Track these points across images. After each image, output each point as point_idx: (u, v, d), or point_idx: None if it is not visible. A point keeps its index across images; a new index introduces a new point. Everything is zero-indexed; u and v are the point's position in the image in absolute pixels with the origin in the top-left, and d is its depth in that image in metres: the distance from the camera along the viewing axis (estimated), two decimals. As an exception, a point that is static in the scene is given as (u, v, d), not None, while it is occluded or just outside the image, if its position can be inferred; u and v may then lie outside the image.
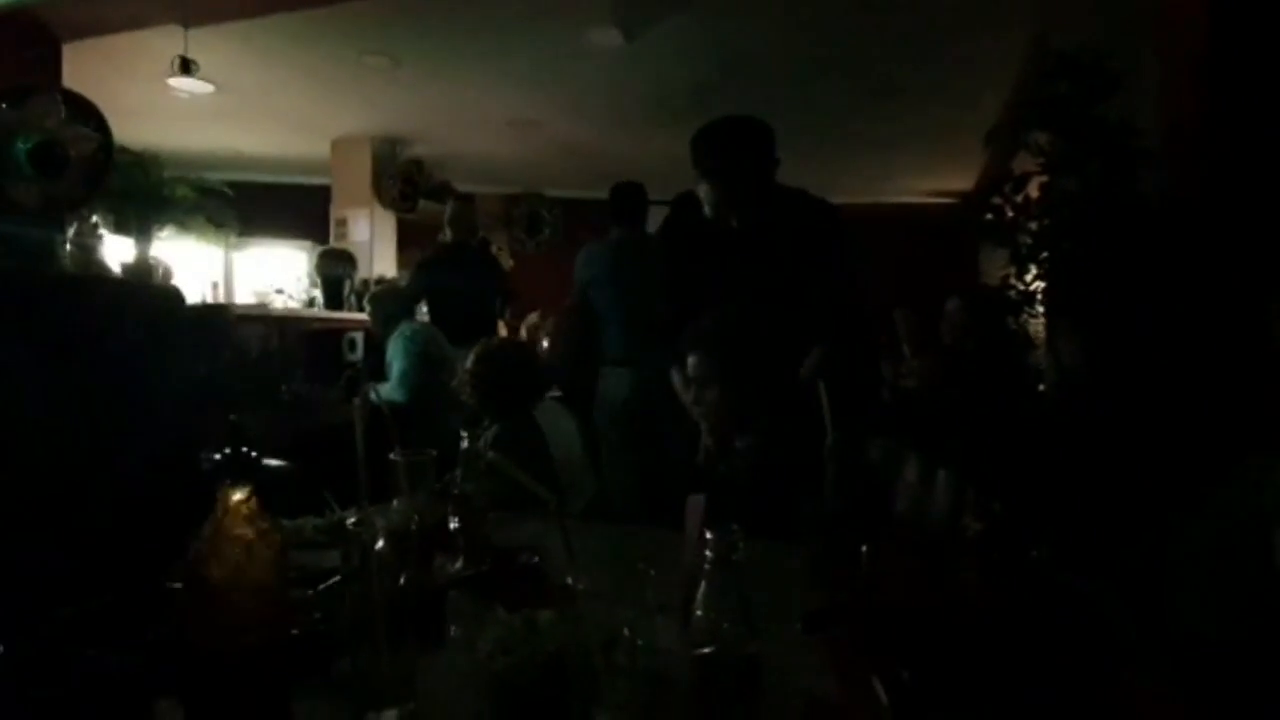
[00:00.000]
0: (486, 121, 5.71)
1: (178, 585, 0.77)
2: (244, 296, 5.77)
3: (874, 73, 4.69)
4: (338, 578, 1.06)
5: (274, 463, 2.72)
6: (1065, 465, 1.98)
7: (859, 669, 0.79)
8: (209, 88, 4.42)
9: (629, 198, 3.44)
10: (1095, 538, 1.89)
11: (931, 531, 1.70)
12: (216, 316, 3.96)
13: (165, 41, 3.88)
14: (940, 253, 7.83)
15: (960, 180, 7.21)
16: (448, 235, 4.25)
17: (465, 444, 1.23)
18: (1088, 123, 2.02)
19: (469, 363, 1.95)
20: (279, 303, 5.32)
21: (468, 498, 1.17)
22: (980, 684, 0.82)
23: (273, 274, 6.12)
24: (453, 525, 1.17)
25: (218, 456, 0.77)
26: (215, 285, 5.78)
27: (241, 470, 0.73)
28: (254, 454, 0.74)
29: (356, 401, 0.91)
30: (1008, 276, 2.30)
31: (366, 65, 4.55)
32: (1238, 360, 1.89)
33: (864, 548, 1.02)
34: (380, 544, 1.05)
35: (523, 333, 5.55)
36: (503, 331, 4.67)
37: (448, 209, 4.31)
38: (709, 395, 1.61)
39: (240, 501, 0.71)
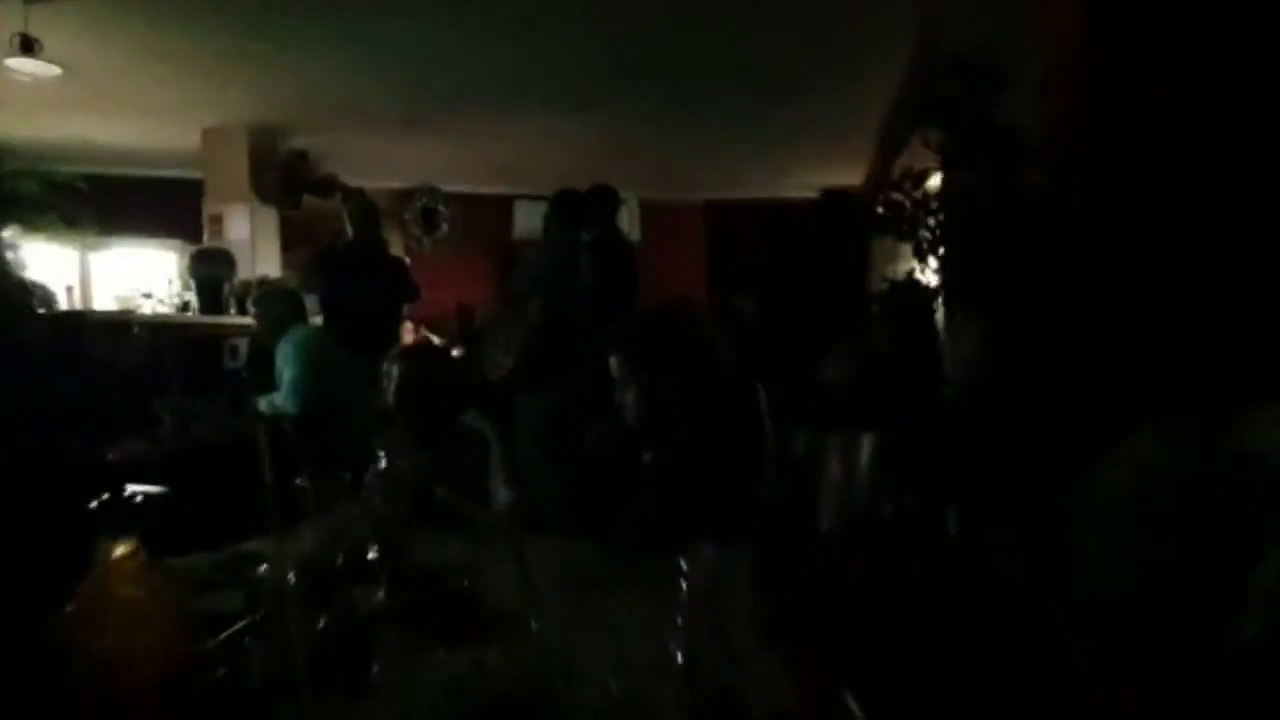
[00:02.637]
0: (377, 113, 5.43)
1: (50, 654, 0.64)
2: (105, 302, 5.25)
3: (771, 71, 4.78)
4: (243, 623, 0.94)
5: (149, 489, 2.46)
6: (973, 449, 2.06)
7: (827, 680, 0.77)
8: (54, 70, 3.97)
9: (566, 204, 3.41)
10: (1003, 520, 1.98)
11: (854, 524, 1.73)
12: (73, 325, 3.57)
13: (6, 18, 3.44)
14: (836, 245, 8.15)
15: (852, 175, 7.49)
16: (348, 233, 4.01)
17: (383, 463, 1.13)
18: (978, 121, 2.11)
19: (394, 374, 1.80)
20: (147, 308, 4.87)
21: (388, 522, 1.07)
22: (937, 685, 0.82)
23: (139, 277, 5.60)
24: (372, 553, 1.07)
25: (93, 505, 0.65)
26: (70, 290, 5.23)
27: (121, 518, 0.62)
28: (134, 495, 0.63)
29: (253, 417, 0.80)
30: (912, 270, 2.37)
31: (242, 49, 4.21)
32: (1113, 342, 2.02)
33: (811, 548, 1.00)
34: (292, 579, 0.95)
35: (417, 334, 5.34)
36: (408, 335, 4.47)
37: (348, 204, 4.07)
38: (628, 398, 1.57)
39: (124, 557, 0.60)
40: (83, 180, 3.89)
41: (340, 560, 1.05)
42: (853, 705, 0.71)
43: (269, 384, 3.41)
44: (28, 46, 3.48)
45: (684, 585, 0.60)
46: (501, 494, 1.60)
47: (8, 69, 3.73)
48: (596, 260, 3.53)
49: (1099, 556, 1.51)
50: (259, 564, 1.18)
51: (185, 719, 0.66)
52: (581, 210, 3.51)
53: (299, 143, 5.74)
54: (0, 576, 1.03)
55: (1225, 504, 1.26)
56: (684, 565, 0.62)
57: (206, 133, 5.42)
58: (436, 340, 5.33)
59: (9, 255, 3.92)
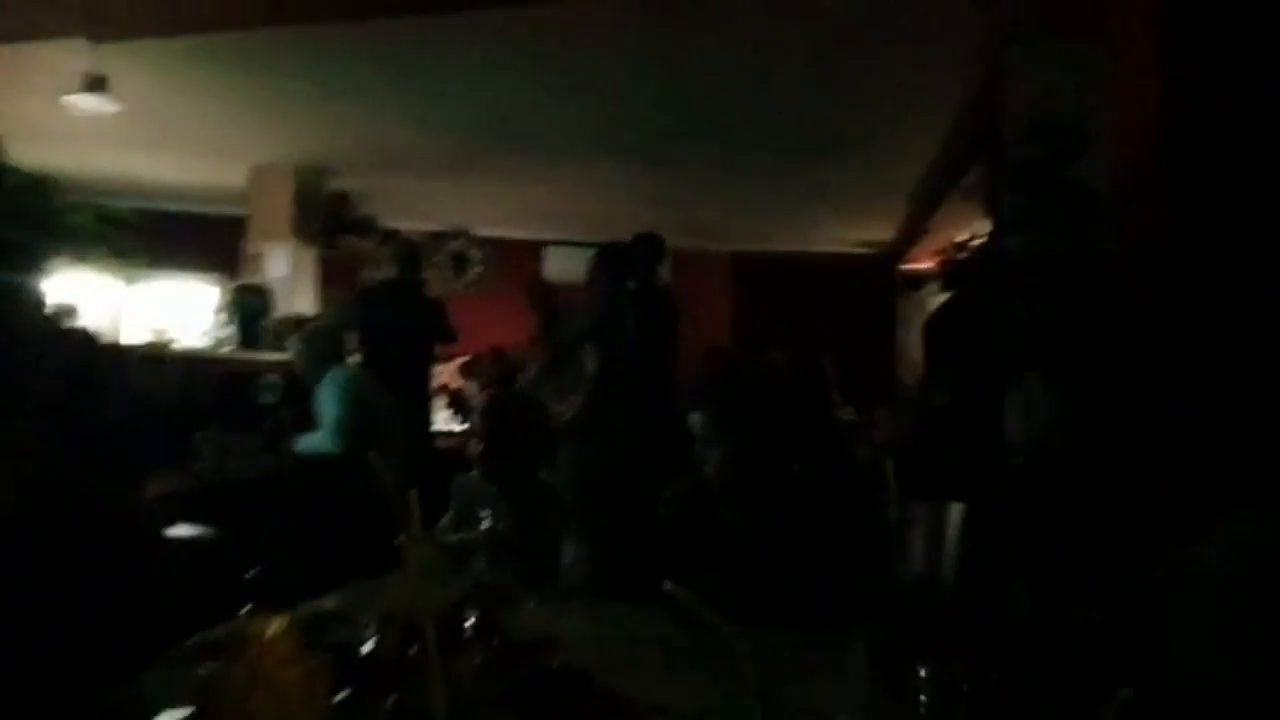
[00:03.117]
0: (418, 157, 5.51)
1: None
2: (143, 334, 5.27)
3: (804, 129, 4.83)
4: (342, 695, 0.88)
5: (190, 531, 2.40)
6: (1054, 517, 1.98)
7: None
8: (113, 107, 4.05)
9: (617, 258, 3.42)
10: (1085, 589, 1.89)
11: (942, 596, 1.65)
12: (114, 356, 3.56)
13: (68, 56, 3.53)
14: (862, 299, 8.15)
15: (881, 231, 7.51)
16: (385, 272, 4.02)
17: (487, 523, 1.07)
18: (1056, 185, 2.09)
19: (478, 419, 1.72)
20: (184, 342, 4.89)
21: (490, 587, 1.01)
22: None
23: (177, 310, 5.64)
24: (469, 620, 1.01)
25: (249, 575, 0.60)
26: (111, 322, 5.27)
27: (272, 593, 0.57)
28: (290, 567, 0.58)
29: (388, 477, 0.75)
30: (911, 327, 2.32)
31: (295, 93, 4.30)
32: (1193, 415, 1.95)
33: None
34: (370, 644, 0.89)
35: (448, 376, 5.31)
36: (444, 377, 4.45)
37: (391, 245, 4.10)
38: (713, 455, 1.52)
39: (278, 636, 0.55)
40: (131, 215, 3.93)
41: (434, 628, 0.98)
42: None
43: (304, 421, 3.38)
44: (95, 85, 3.56)
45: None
46: (571, 553, 1.54)
47: (68, 105, 3.82)
48: (640, 310, 3.51)
49: (1203, 641, 1.43)
50: (338, 625, 1.11)
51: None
52: (628, 262, 3.50)
53: (341, 184, 5.83)
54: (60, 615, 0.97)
55: None
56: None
57: (254, 171, 5.51)
58: (464, 384, 5.30)
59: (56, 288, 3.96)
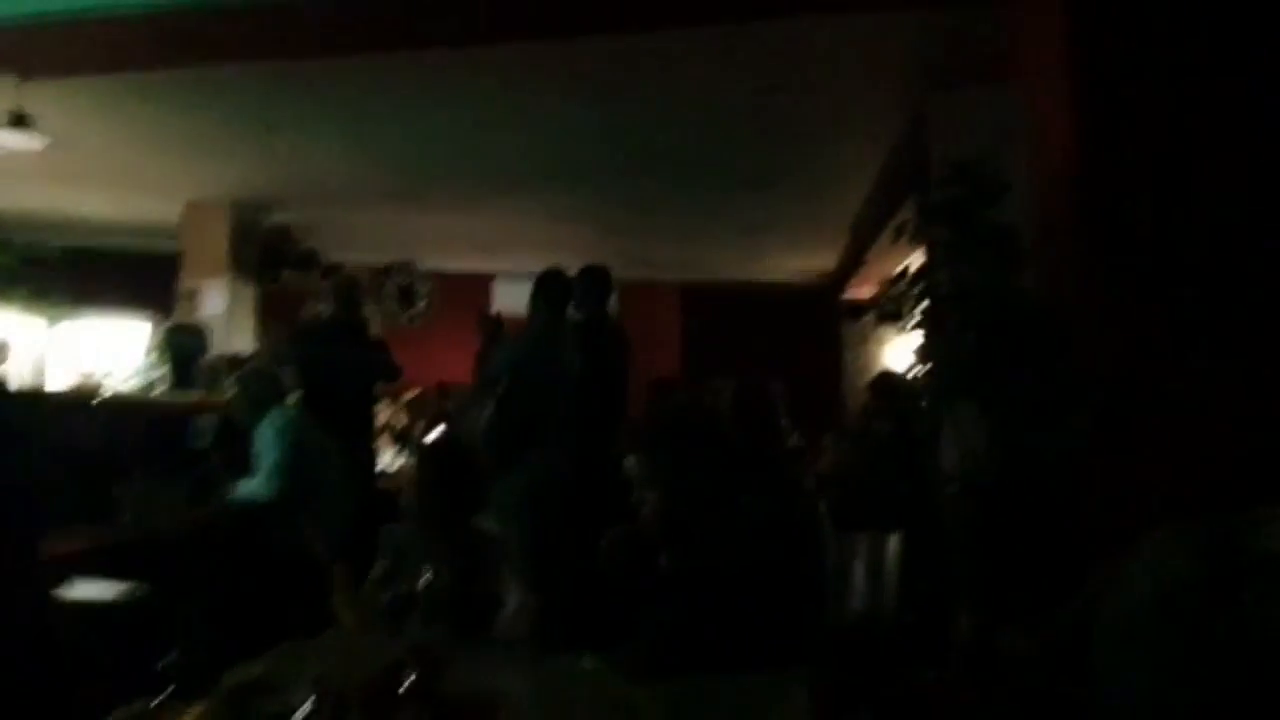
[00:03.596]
0: (362, 191, 5.46)
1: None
2: (67, 378, 5.03)
3: (749, 164, 4.96)
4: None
5: (111, 588, 2.27)
6: (978, 548, 2.04)
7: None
8: (37, 144, 3.91)
9: (556, 284, 3.39)
10: (1018, 617, 1.94)
11: (880, 623, 1.68)
12: (30, 403, 3.39)
13: (-4, 93, 3.41)
14: (806, 326, 8.32)
15: (823, 260, 7.70)
16: (327, 309, 3.94)
17: (429, 576, 1.05)
18: (978, 223, 2.18)
19: (421, 469, 1.67)
20: (111, 384, 4.68)
21: (429, 647, 0.99)
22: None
23: (104, 351, 5.41)
24: (408, 681, 0.98)
25: (169, 657, 0.57)
26: (35, 365, 5.02)
27: (191, 672, 0.54)
28: (210, 636, 0.56)
29: (384, 539, 0.72)
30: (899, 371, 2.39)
31: (231, 128, 4.22)
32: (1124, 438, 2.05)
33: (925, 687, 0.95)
34: (306, 706, 0.86)
35: (395, 414, 5.21)
36: (382, 416, 4.35)
37: (331, 281, 4.02)
38: (649, 498, 1.52)
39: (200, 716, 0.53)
40: (58, 253, 3.78)
41: (370, 687, 0.96)
42: None
43: (238, 464, 3.26)
44: (19, 121, 3.44)
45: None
46: (512, 599, 1.51)
47: (-9, 140, 3.67)
48: (586, 343, 3.51)
49: (1122, 664, 1.48)
50: (270, 695, 1.08)
51: None
52: (565, 291, 3.47)
53: (281, 218, 5.72)
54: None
55: (1253, 608, 1.24)
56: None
57: (188, 207, 5.37)
58: (405, 419, 5.21)
59: None
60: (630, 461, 1.53)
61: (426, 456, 1.77)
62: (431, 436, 3.18)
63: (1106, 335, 2.11)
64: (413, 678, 0.93)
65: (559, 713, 0.86)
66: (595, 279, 3.60)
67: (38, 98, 3.50)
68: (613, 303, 8.47)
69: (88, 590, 2.25)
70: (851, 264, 6.94)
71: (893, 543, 1.63)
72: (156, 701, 0.54)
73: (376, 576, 1.48)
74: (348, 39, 3.18)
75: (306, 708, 0.82)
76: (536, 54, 3.41)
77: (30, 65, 3.17)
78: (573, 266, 3.86)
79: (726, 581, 1.34)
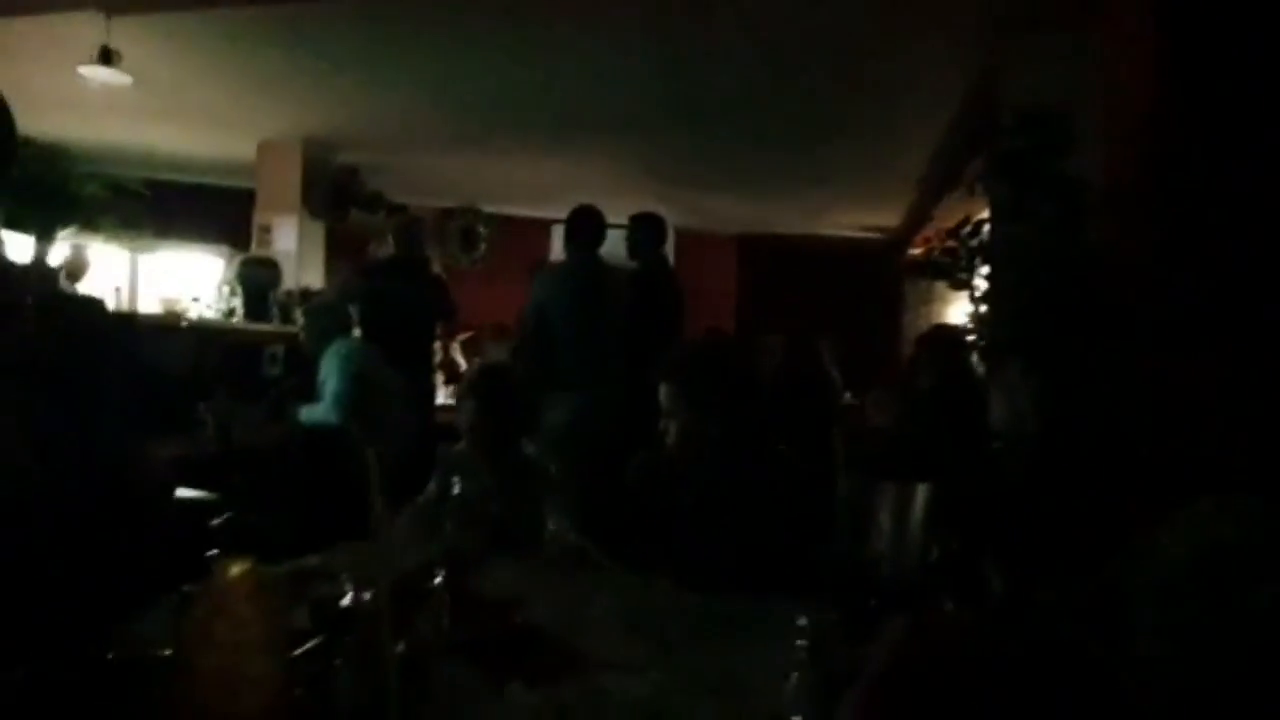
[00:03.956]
0: (427, 133, 5.55)
1: (162, 663, 0.65)
2: (150, 304, 5.37)
3: (810, 113, 4.83)
4: (314, 643, 0.95)
5: (195, 493, 2.49)
6: (1019, 504, 2.03)
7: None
8: (126, 79, 4.11)
9: (588, 221, 3.41)
10: (1054, 576, 1.94)
11: (908, 576, 1.71)
12: (125, 325, 3.65)
13: (82, 28, 3.58)
14: (868, 284, 8.14)
15: (888, 217, 7.49)
16: (390, 249, 4.07)
17: (457, 489, 1.14)
18: (1046, 175, 2.11)
19: (472, 395, 1.78)
20: (194, 312, 4.97)
21: (459, 551, 1.08)
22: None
23: (184, 280, 5.73)
24: (438, 579, 1.08)
25: (215, 521, 0.66)
26: (118, 291, 5.36)
27: (238, 537, 0.63)
28: (253, 516, 0.64)
29: (370, 450, 0.81)
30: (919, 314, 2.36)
31: (303, 68, 4.34)
32: (1170, 403, 1.99)
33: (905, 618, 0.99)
34: (348, 598, 0.95)
35: (455, 352, 5.38)
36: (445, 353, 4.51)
37: (393, 221, 4.15)
38: (673, 426, 1.57)
39: (240, 576, 0.62)
40: (142, 185, 4.00)
41: (404, 586, 1.05)
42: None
43: (308, 392, 3.46)
44: (108, 57, 3.61)
45: (799, 644, 0.60)
46: (551, 524, 1.60)
47: (81, 77, 3.88)
48: (642, 290, 3.55)
49: (1157, 627, 1.48)
50: (321, 580, 1.19)
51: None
52: (596, 228, 3.49)
53: (350, 159, 5.88)
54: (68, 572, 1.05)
55: None
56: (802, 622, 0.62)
57: (262, 145, 5.56)
58: (462, 361, 5.37)
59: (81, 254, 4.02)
60: (661, 391, 1.57)
61: (474, 381, 1.86)
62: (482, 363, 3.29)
63: (1171, 296, 2.04)
64: (440, 577, 1.02)
65: (575, 620, 0.94)
66: (650, 226, 3.62)
67: (123, 36, 3.67)
68: (668, 251, 8.44)
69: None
70: (917, 221, 6.74)
71: (920, 492, 1.65)
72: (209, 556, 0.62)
73: (429, 491, 1.59)
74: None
75: (346, 599, 0.91)
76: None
77: (115, 1, 3.32)
78: (631, 213, 3.89)
79: (729, 512, 1.39)
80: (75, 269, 4.50)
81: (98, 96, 4.38)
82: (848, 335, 6.84)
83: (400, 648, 0.85)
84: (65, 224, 3.52)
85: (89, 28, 3.55)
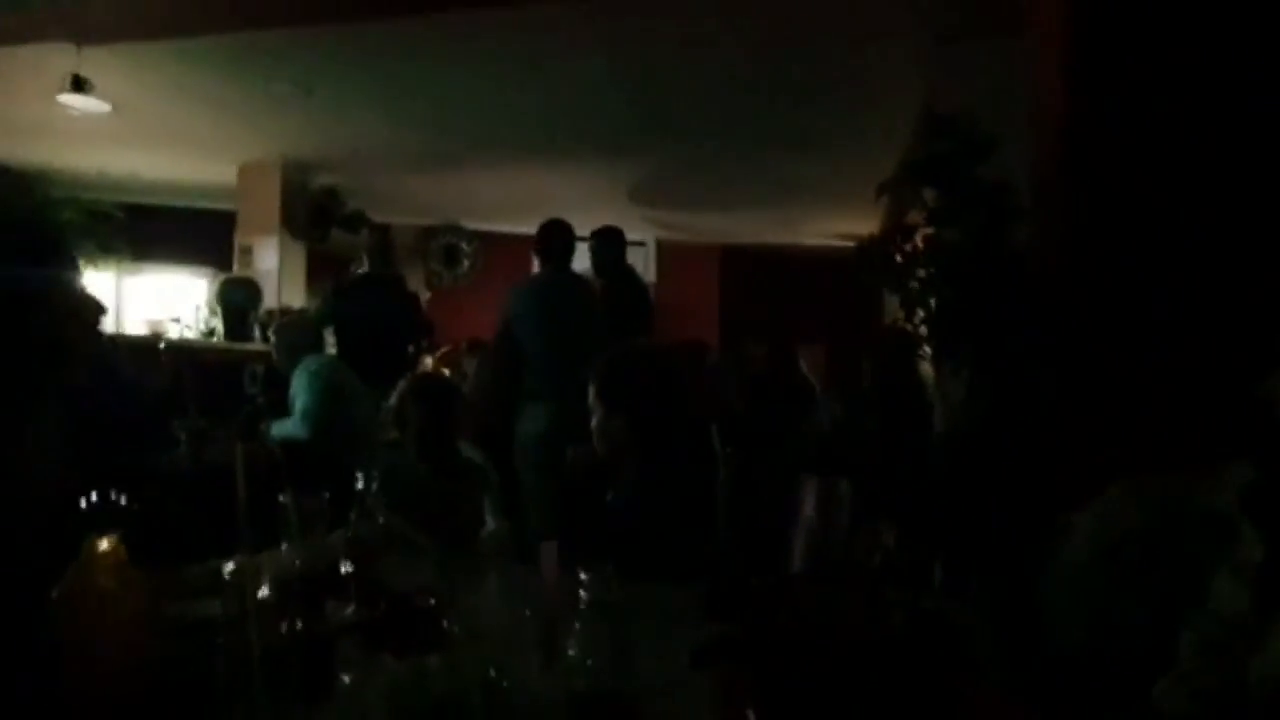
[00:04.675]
0: (403, 153, 5.65)
1: (40, 636, 0.72)
2: (135, 326, 5.45)
3: (788, 124, 4.93)
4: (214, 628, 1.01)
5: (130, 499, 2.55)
6: (954, 496, 2.10)
7: (743, 703, 0.82)
8: (105, 107, 4.21)
9: (556, 235, 3.51)
10: (980, 565, 2.00)
11: (827, 566, 1.77)
12: (110, 346, 3.72)
13: (61, 58, 3.69)
14: (849, 293, 8.23)
15: (867, 225, 7.57)
16: (364, 266, 4.16)
17: (360, 484, 1.21)
18: (967, 180, 2.19)
19: (408, 400, 1.89)
20: (175, 332, 5.05)
21: (361, 540, 1.15)
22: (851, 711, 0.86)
23: (169, 302, 5.82)
24: (345, 569, 1.14)
25: (85, 503, 0.73)
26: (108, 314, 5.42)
27: (108, 518, 0.70)
28: (124, 499, 0.71)
29: (239, 444, 0.88)
30: (896, 320, 2.44)
31: (276, 92, 4.45)
32: (1094, 397, 2.06)
33: (753, 581, 1.05)
34: (264, 590, 1.02)
35: (428, 364, 5.46)
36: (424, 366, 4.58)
37: (364, 239, 4.23)
38: (594, 424, 1.64)
39: (105, 551, 0.69)
40: (121, 209, 4.10)
41: (313, 574, 1.12)
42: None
43: (284, 409, 3.53)
44: (79, 85, 3.71)
45: (582, 594, 0.67)
46: (490, 523, 1.67)
47: (60, 104, 3.98)
48: (610, 302, 3.63)
49: (1066, 608, 1.54)
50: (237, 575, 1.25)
51: (154, 706, 0.73)
52: (563, 241, 3.58)
53: (329, 179, 5.98)
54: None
55: (1190, 562, 1.29)
56: (583, 575, 0.68)
57: (243, 168, 5.67)
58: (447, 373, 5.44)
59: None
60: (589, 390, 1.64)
61: (416, 387, 1.94)
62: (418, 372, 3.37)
63: (1092, 293, 2.11)
64: (349, 568, 1.08)
65: (472, 606, 1.01)
66: (609, 239, 3.71)
67: (99, 66, 3.77)
68: (646, 265, 8.49)
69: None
70: (888, 230, 6.82)
71: (843, 487, 1.72)
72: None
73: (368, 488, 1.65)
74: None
75: (264, 594, 0.98)
76: (563, 14, 3.49)
77: (86, 31, 3.42)
78: (618, 225, 3.97)
79: (646, 514, 1.45)
80: None
81: (79, 125, 4.48)
82: (831, 342, 6.90)
83: (305, 628, 0.92)
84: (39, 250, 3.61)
85: (63, 57, 3.66)
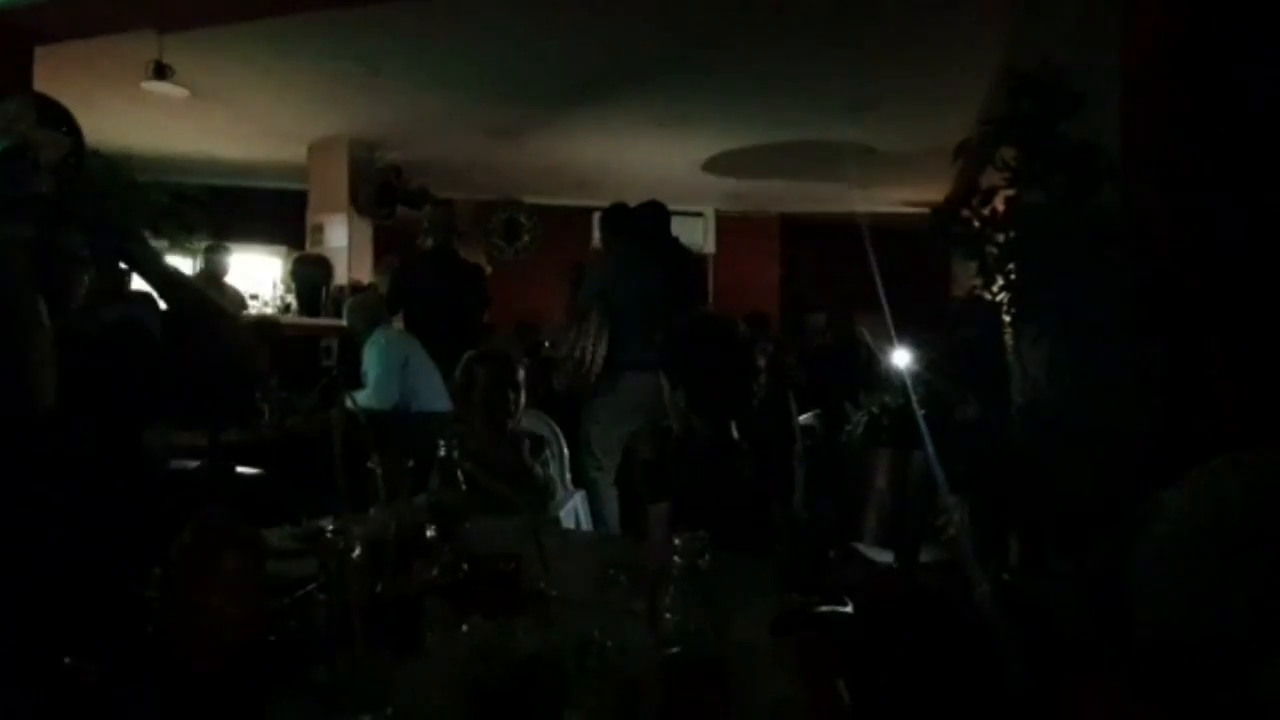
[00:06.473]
0: (465, 129, 5.71)
1: (153, 594, 0.77)
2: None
3: (852, 86, 4.78)
4: (313, 585, 1.07)
5: (249, 471, 2.70)
6: (1034, 470, 2.03)
7: (826, 671, 0.82)
8: (184, 92, 4.39)
9: (617, 217, 3.53)
10: (1061, 541, 1.94)
11: (901, 537, 1.74)
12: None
13: (140, 46, 3.84)
14: (917, 261, 7.98)
15: (934, 191, 7.32)
16: (427, 241, 4.25)
17: (442, 452, 1.24)
18: (1050, 140, 2.08)
19: (473, 374, 1.96)
20: (253, 308, 5.27)
21: (444, 505, 1.18)
22: (934, 687, 0.85)
23: (246, 280, 6.07)
24: (430, 533, 1.18)
25: (194, 465, 0.77)
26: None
27: (220, 481, 0.74)
28: (232, 465, 0.75)
29: (334, 411, 0.92)
30: (974, 288, 2.36)
31: (343, 71, 4.54)
32: (1190, 369, 1.95)
33: (833, 553, 1.04)
34: (356, 552, 1.06)
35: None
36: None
37: (426, 214, 4.32)
38: (677, 398, 1.64)
39: (213, 520, 0.72)
40: (203, 191, 4.27)
41: (400, 536, 1.16)
42: (844, 693, 0.76)
43: (358, 380, 3.66)
44: (161, 72, 3.86)
45: (676, 560, 0.67)
46: (560, 492, 1.70)
47: (144, 92, 4.15)
48: (663, 271, 3.62)
49: (1160, 587, 1.48)
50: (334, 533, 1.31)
51: (260, 659, 0.78)
52: (633, 222, 3.58)
53: (394, 157, 6.10)
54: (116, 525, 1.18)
55: None
56: (676, 541, 0.69)
57: (312, 147, 5.83)
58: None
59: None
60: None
61: (482, 362, 1.99)
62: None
63: (1191, 258, 1.99)
64: (433, 532, 1.12)
65: (570, 571, 1.03)
66: (649, 213, 3.67)
67: (176, 53, 3.91)
68: (706, 236, 8.41)
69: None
70: (964, 194, 6.57)
71: (916, 459, 1.69)
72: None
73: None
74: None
75: (356, 552, 1.02)
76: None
77: (167, 18, 3.55)
78: (675, 199, 3.95)
79: (716, 492, 1.45)
80: (216, 271, 4.91)
81: (159, 110, 4.68)
82: (899, 311, 6.70)
83: (379, 587, 0.96)
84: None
85: (145, 45, 3.81)
